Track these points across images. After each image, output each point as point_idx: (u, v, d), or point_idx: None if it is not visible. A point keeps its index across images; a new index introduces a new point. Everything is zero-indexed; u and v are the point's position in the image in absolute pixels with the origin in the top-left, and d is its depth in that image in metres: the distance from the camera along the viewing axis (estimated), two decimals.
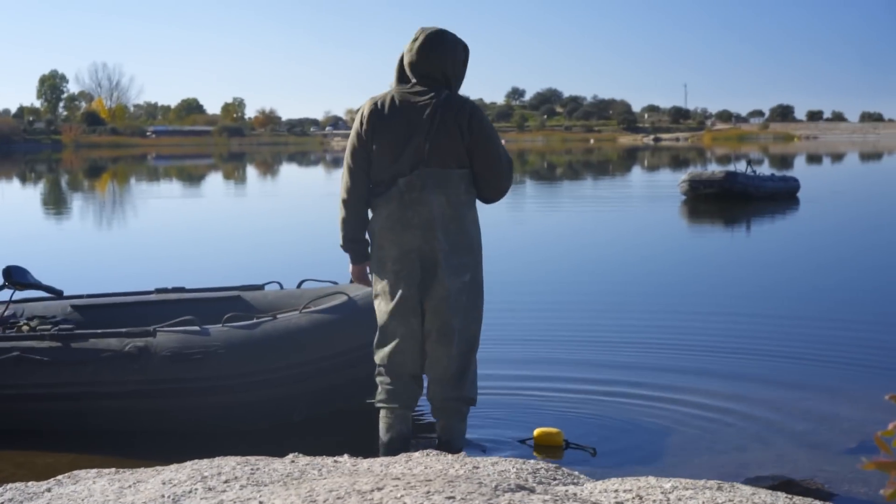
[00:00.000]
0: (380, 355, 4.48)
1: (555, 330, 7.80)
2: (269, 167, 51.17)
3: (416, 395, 4.55)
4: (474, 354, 4.51)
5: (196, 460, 3.47)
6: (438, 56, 4.44)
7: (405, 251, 4.37)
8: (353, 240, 4.51)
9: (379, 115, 4.41)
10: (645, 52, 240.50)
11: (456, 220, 4.37)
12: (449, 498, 2.43)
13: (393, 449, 4.40)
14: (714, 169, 23.15)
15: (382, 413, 4.50)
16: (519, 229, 16.56)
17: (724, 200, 20.73)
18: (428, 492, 2.47)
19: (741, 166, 22.81)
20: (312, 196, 26.52)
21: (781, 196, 21.80)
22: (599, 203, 22.60)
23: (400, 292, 4.38)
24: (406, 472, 2.89)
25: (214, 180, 38.65)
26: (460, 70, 4.55)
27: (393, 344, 4.43)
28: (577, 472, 3.52)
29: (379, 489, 2.49)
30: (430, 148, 4.34)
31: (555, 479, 3.30)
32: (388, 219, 4.39)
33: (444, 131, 4.34)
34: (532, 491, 2.71)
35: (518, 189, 27.85)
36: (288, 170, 49.14)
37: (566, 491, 2.95)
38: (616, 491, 3.00)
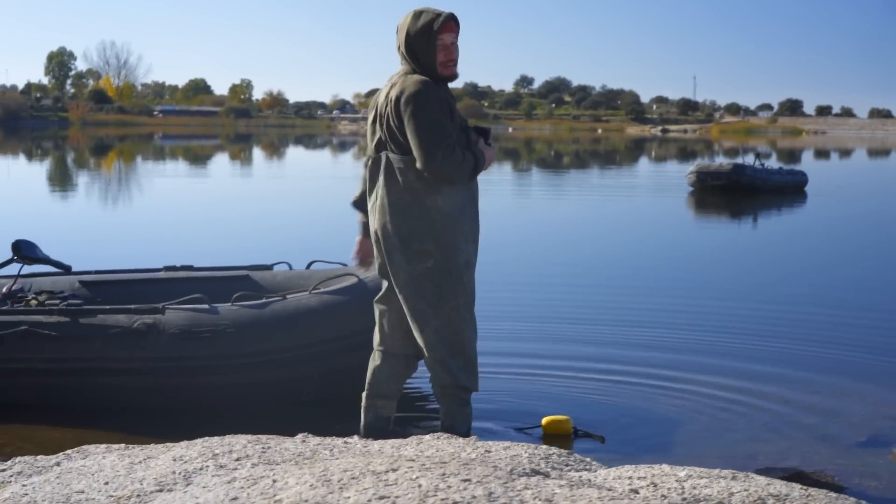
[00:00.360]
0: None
1: (562, 316, 7.79)
2: (275, 149, 51.14)
3: (399, 378, 4.56)
4: (463, 340, 4.40)
5: (207, 438, 3.44)
6: (398, 31, 4.44)
7: (372, 234, 4.45)
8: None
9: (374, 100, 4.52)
10: (655, 44, 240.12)
11: (415, 205, 4.30)
12: (465, 480, 2.41)
13: (369, 432, 4.47)
14: (722, 161, 23.15)
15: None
16: (527, 216, 16.53)
17: (731, 193, 20.74)
18: (443, 474, 2.44)
19: (749, 159, 22.80)
20: (319, 178, 26.51)
21: (789, 190, 21.80)
22: (608, 192, 22.60)
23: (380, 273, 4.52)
24: (419, 455, 2.88)
25: (221, 161, 38.62)
26: (410, 43, 4.36)
27: (378, 323, 4.55)
28: (588, 459, 3.50)
29: (394, 470, 2.47)
30: (383, 133, 4.36)
31: (567, 464, 3.28)
32: (365, 201, 4.52)
33: (388, 116, 4.33)
34: (547, 476, 2.69)
35: (525, 177, 27.84)
36: (294, 152, 49.09)
37: (580, 477, 2.93)
38: (630, 478, 2.98)
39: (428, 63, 4.35)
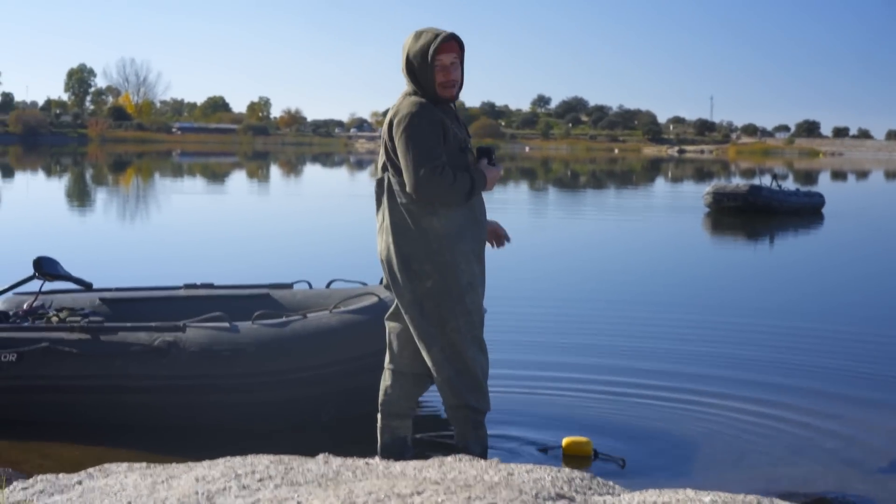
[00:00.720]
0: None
1: (580, 334, 7.77)
2: (292, 167, 51.27)
3: (410, 396, 4.55)
4: (468, 360, 4.37)
5: (229, 457, 3.44)
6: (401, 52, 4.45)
7: (378, 254, 4.46)
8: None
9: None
10: (672, 64, 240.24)
11: (412, 227, 4.31)
12: None
13: (386, 453, 4.46)
14: (738, 182, 23.16)
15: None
16: (543, 235, 16.50)
17: (747, 214, 20.75)
18: (469, 497, 2.43)
19: (766, 180, 22.78)
20: (336, 196, 26.55)
21: (806, 211, 21.77)
22: (624, 212, 22.58)
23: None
24: (443, 478, 2.86)
25: (239, 178, 38.74)
26: (410, 64, 4.35)
27: (388, 342, 4.56)
28: (611, 483, 3.48)
29: (419, 493, 2.46)
30: (386, 155, 4.37)
31: (590, 488, 3.26)
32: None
33: (388, 138, 4.35)
34: (572, 500, 2.67)
35: (542, 196, 27.82)
36: (312, 170, 49.22)
37: (604, 501, 2.91)
38: (654, 503, 2.96)
39: (427, 84, 4.33)
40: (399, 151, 4.26)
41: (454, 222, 4.32)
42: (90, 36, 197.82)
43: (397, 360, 4.52)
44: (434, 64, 4.29)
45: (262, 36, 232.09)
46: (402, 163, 4.25)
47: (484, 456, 4.32)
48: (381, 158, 4.43)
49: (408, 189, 4.24)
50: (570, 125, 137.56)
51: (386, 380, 4.55)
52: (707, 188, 22.61)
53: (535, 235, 16.19)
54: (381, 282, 5.96)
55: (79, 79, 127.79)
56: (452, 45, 4.32)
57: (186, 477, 3.14)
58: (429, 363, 4.39)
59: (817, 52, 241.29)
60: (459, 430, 4.46)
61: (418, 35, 4.35)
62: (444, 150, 4.27)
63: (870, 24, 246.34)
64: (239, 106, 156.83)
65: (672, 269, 12.49)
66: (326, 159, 66.38)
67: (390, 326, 4.54)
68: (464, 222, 4.36)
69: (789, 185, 26.12)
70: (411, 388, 4.54)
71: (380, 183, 4.41)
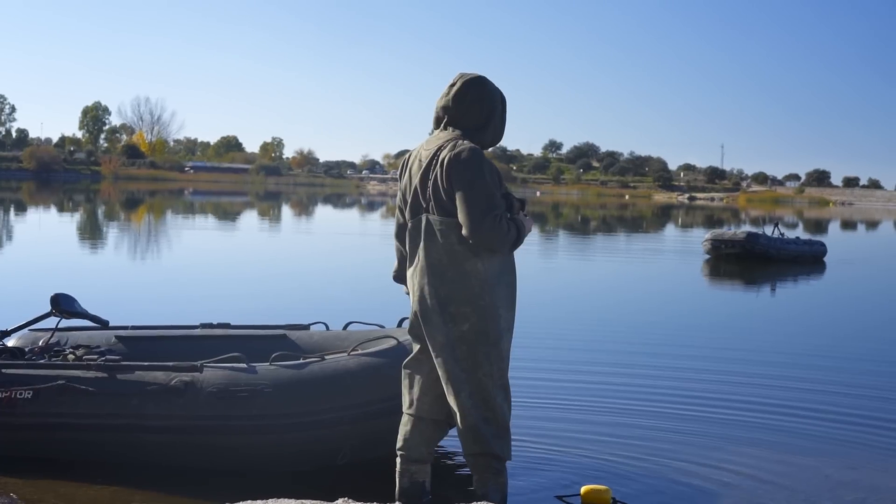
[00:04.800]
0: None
1: (593, 380, 7.73)
2: (304, 207, 51.42)
3: (429, 442, 4.51)
4: (495, 407, 4.33)
5: (250, 501, 3.40)
6: (444, 96, 4.50)
7: (412, 296, 4.44)
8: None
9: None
10: (683, 112, 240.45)
11: (454, 268, 4.29)
12: None
13: (404, 498, 4.43)
14: (736, 229, 23.68)
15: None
16: (550, 279, 16.49)
17: (745, 261, 21.18)
18: None
19: (768, 228, 23.18)
20: (348, 237, 26.58)
21: (806, 259, 22.06)
22: (629, 256, 22.70)
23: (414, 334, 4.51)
24: None
25: (251, 218, 38.85)
26: (488, 110, 4.44)
27: (407, 387, 4.53)
28: None
29: None
30: (424, 195, 4.37)
31: None
32: (406, 262, 4.52)
33: (436, 178, 4.33)
34: None
35: (553, 241, 27.83)
36: (323, 211, 49.34)
37: None
38: None
39: (498, 131, 4.48)
40: (461, 195, 4.25)
41: (495, 267, 4.33)
42: (105, 74, 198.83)
43: (416, 406, 4.48)
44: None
45: (276, 77, 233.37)
46: (463, 207, 4.24)
47: (504, 503, 4.28)
48: (411, 201, 4.42)
49: (466, 232, 4.23)
50: (582, 171, 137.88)
51: (405, 426, 4.52)
52: (707, 235, 23.05)
53: (544, 279, 16.18)
54: (399, 324, 5.94)
55: (93, 116, 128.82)
56: None
57: None
58: (454, 408, 4.34)
59: (828, 102, 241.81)
60: (479, 477, 4.41)
61: (488, 81, 4.46)
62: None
63: (881, 74, 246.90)
64: (252, 146, 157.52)
65: (673, 315, 12.54)
66: (338, 200, 66.59)
67: (408, 372, 4.51)
68: (503, 267, 4.36)
69: (799, 233, 26.32)
70: (431, 434, 4.50)
71: (416, 225, 4.40)
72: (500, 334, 4.33)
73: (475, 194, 4.23)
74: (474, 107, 4.41)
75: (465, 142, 4.35)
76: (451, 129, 4.45)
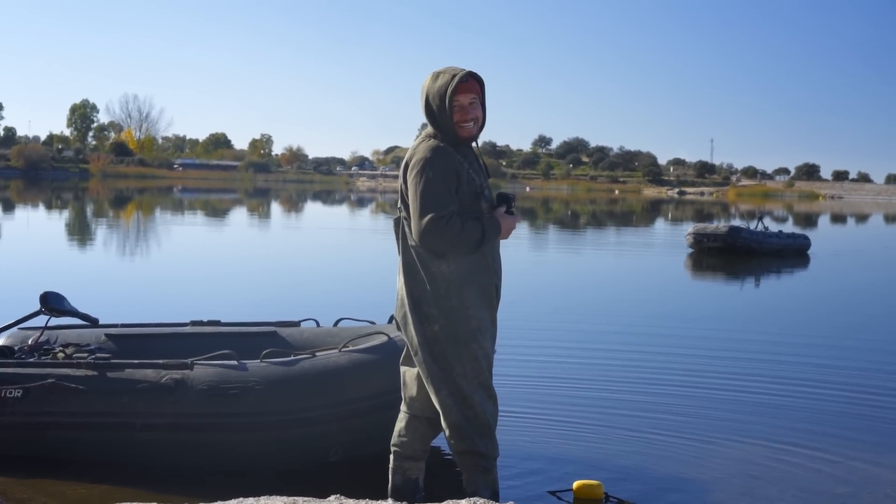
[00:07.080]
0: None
1: (589, 373, 7.74)
2: (293, 204, 51.34)
3: (423, 439, 4.50)
4: (475, 406, 4.29)
5: (242, 499, 3.40)
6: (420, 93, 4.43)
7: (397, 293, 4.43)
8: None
9: None
10: (672, 106, 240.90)
11: (423, 269, 4.27)
12: None
13: (396, 495, 4.42)
14: (718, 223, 23.83)
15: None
16: (539, 272, 16.50)
17: (727, 254, 21.35)
18: None
19: (754, 222, 23.26)
20: (336, 233, 26.55)
21: (789, 253, 22.23)
22: (617, 249, 22.79)
23: None
24: None
25: (240, 215, 38.77)
26: (429, 105, 4.30)
27: (402, 384, 4.51)
28: None
29: None
30: (401, 195, 4.35)
31: None
32: None
33: (402, 180, 4.33)
34: None
35: (541, 236, 27.85)
36: (312, 207, 49.27)
37: None
38: None
39: (446, 126, 4.28)
40: (409, 196, 4.23)
41: (462, 268, 4.25)
42: (93, 71, 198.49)
43: (410, 404, 4.48)
44: (452, 105, 4.24)
45: (265, 74, 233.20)
46: (411, 208, 4.21)
47: (496, 500, 4.27)
48: (399, 198, 4.41)
49: (413, 235, 4.21)
50: (571, 166, 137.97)
51: (400, 422, 4.51)
52: (689, 229, 23.19)
53: (531, 272, 16.18)
54: (389, 320, 5.93)
55: (81, 114, 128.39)
56: (471, 84, 4.26)
57: None
58: (437, 406, 4.33)
59: (818, 96, 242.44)
60: (467, 475, 4.39)
61: (436, 75, 4.31)
62: (456, 197, 4.21)
63: (870, 68, 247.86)
64: (241, 143, 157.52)
65: (659, 306, 12.53)
66: (327, 197, 66.50)
67: (405, 369, 4.50)
68: (472, 268, 4.28)
69: (787, 227, 26.48)
70: (425, 432, 4.49)
71: (397, 222, 4.38)
72: (470, 335, 4.26)
73: (417, 195, 4.19)
74: (422, 103, 4.37)
75: (428, 141, 4.31)
76: (429, 125, 4.43)
